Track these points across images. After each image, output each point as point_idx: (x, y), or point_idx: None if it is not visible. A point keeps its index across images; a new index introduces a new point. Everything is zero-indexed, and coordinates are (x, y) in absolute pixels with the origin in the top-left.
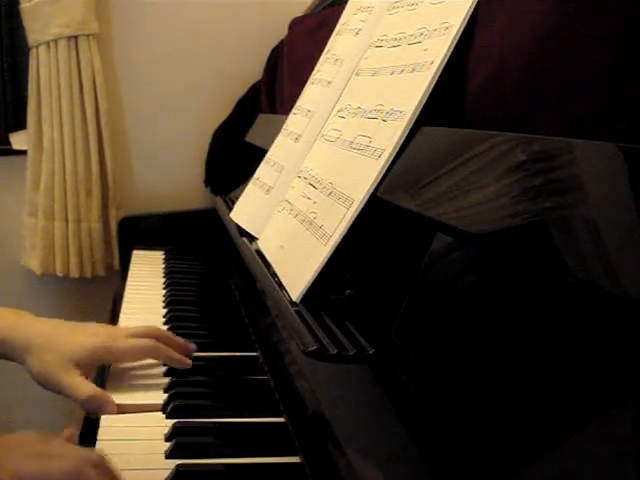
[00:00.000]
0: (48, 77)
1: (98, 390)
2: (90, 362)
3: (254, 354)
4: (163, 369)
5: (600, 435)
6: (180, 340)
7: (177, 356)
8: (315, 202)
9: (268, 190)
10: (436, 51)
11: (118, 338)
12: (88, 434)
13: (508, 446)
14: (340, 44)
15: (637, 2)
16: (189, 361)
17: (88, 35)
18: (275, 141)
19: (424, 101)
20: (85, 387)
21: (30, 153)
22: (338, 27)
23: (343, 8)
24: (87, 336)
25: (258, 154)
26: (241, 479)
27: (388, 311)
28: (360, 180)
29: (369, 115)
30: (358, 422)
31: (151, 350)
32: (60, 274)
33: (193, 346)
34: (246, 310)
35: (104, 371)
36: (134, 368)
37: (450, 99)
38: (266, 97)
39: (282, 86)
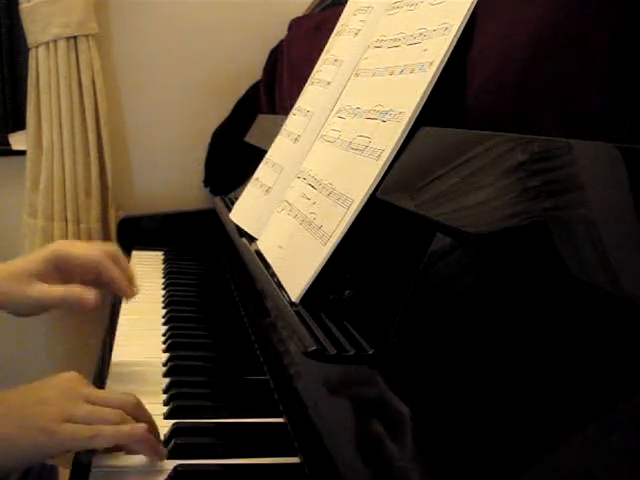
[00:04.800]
0: (47, 77)
1: (69, 288)
2: (47, 269)
3: (254, 354)
4: (163, 370)
5: (600, 435)
6: (129, 268)
7: (123, 283)
8: (314, 202)
9: (267, 190)
10: (436, 51)
11: (73, 245)
12: None
13: (507, 446)
14: (339, 44)
15: (636, 2)
16: (131, 294)
17: (87, 35)
18: (274, 141)
19: (423, 101)
20: (55, 290)
21: (29, 153)
22: (338, 27)
23: (343, 8)
24: (41, 250)
25: (258, 154)
26: None
27: (387, 312)
28: (359, 180)
29: (368, 115)
30: (357, 422)
31: (102, 261)
32: None
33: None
34: (245, 310)
35: (102, 372)
36: (134, 369)
37: (450, 99)
38: (265, 97)
39: (281, 86)
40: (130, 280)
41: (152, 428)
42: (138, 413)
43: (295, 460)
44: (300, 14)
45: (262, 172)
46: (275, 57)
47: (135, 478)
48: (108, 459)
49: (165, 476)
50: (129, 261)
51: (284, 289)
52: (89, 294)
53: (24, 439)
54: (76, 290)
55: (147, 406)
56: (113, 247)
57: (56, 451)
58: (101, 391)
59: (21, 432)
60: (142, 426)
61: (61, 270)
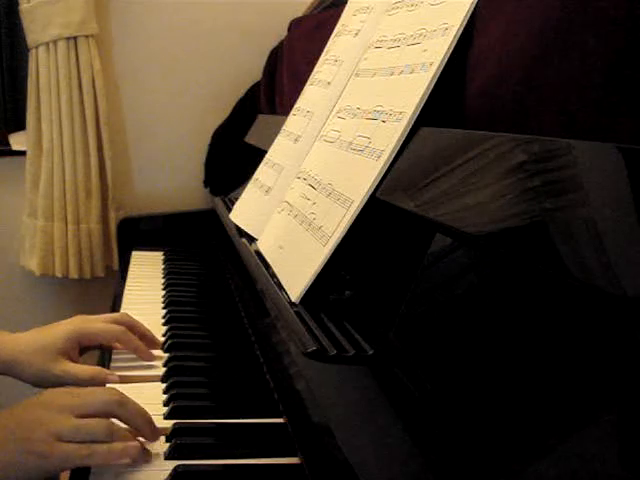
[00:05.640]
0: (47, 78)
1: (95, 368)
2: (70, 346)
3: (254, 354)
4: (163, 370)
5: (600, 435)
6: (147, 331)
7: (143, 349)
8: (314, 203)
9: (267, 191)
10: (435, 52)
11: (91, 322)
12: None
13: (507, 446)
14: (339, 45)
15: (637, 2)
16: (153, 357)
17: (87, 36)
18: (274, 142)
19: (423, 102)
20: (82, 370)
21: (29, 154)
22: (337, 28)
23: (343, 9)
24: (63, 326)
25: (257, 155)
26: None
27: (387, 312)
28: (359, 181)
29: (368, 116)
30: (357, 423)
31: (121, 335)
32: (59, 275)
33: (158, 340)
34: (245, 311)
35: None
36: (134, 369)
37: (449, 100)
38: (265, 98)
39: (281, 87)
40: (150, 341)
41: (142, 418)
42: (125, 411)
43: (295, 461)
44: (300, 14)
45: (262, 172)
46: (275, 57)
47: (135, 478)
48: None
49: (165, 476)
50: (129, 261)
51: (284, 289)
52: (113, 378)
53: (22, 464)
54: (102, 374)
55: (147, 407)
56: (126, 315)
57: (53, 471)
58: (86, 393)
59: (19, 458)
60: (135, 445)
61: (82, 344)
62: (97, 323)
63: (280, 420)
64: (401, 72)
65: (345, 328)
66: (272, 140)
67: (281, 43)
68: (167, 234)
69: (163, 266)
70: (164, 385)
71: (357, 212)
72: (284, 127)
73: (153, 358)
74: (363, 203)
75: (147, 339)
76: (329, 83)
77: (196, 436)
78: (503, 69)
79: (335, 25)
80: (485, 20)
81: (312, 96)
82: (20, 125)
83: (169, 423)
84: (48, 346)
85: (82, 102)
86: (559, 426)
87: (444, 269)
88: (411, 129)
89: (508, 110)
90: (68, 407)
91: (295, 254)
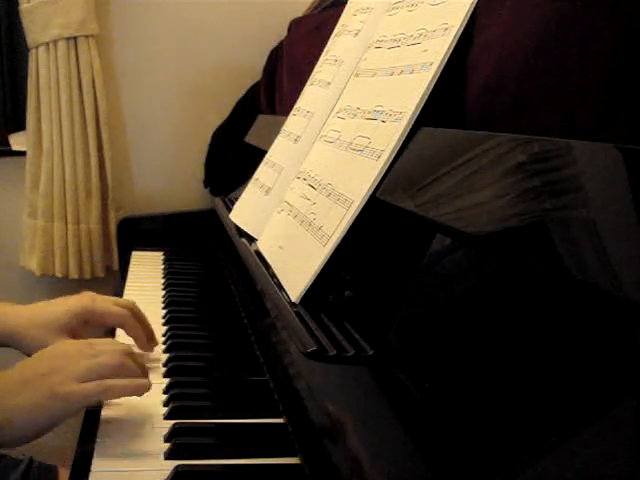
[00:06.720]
0: (47, 78)
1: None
2: (76, 323)
3: (254, 354)
4: (163, 370)
5: (600, 435)
6: (149, 325)
7: (144, 340)
8: (314, 203)
9: (267, 191)
10: (435, 52)
11: (100, 301)
12: (87, 432)
13: (507, 446)
14: (339, 45)
15: (636, 2)
16: (152, 349)
17: (87, 36)
18: (274, 142)
19: (423, 102)
20: None
21: (29, 154)
22: (337, 28)
23: (343, 9)
24: (69, 301)
25: (257, 155)
26: None
27: (387, 312)
28: (359, 181)
29: (368, 116)
30: (357, 422)
31: (126, 319)
32: (59, 275)
33: (156, 339)
34: (245, 311)
35: None
36: None
37: (449, 100)
38: (265, 98)
39: (281, 87)
40: (150, 335)
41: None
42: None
43: (295, 461)
44: (300, 14)
45: (262, 172)
46: (275, 57)
47: (135, 478)
48: (108, 460)
49: (165, 476)
50: (129, 261)
51: (284, 289)
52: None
53: (48, 409)
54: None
55: (147, 407)
56: (133, 304)
57: (76, 411)
58: (98, 343)
59: (44, 402)
60: (146, 384)
61: (87, 323)
62: (106, 303)
63: (280, 420)
64: (401, 72)
65: (345, 328)
66: (272, 140)
67: (281, 43)
68: (167, 234)
69: (163, 266)
70: (164, 385)
71: (357, 212)
72: (284, 127)
73: (151, 350)
74: (363, 203)
75: (148, 332)
76: (329, 83)
77: (196, 436)
78: (503, 69)
79: (335, 25)
80: (485, 20)
81: (312, 96)
82: (20, 125)
83: (169, 423)
84: (51, 322)
85: (82, 102)
86: (559, 425)
87: (444, 269)
88: (411, 129)
89: (508, 110)
90: (83, 354)
91: (295, 254)
